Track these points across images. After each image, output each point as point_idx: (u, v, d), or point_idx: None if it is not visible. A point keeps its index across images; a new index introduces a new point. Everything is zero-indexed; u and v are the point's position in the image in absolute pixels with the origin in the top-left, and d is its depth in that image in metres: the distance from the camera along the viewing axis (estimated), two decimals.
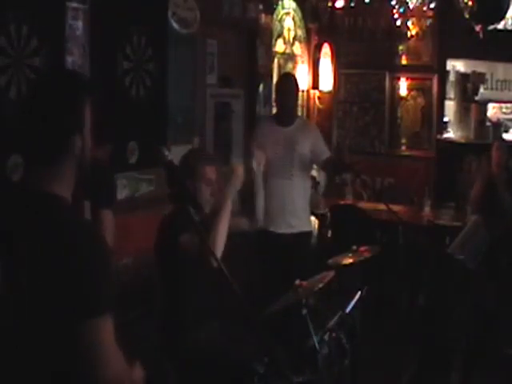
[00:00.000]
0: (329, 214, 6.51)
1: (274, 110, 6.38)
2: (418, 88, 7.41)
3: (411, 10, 6.93)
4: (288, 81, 4.93)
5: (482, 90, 7.29)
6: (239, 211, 4.04)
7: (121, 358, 1.80)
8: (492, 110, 7.37)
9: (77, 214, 1.88)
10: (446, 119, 7.34)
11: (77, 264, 1.74)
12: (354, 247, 4.09)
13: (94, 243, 1.80)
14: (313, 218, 5.99)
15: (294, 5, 6.67)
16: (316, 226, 6.50)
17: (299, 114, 6.89)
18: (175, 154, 3.60)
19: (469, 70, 7.30)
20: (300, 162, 4.74)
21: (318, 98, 7.30)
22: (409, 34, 7.28)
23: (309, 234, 4.97)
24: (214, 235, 3.13)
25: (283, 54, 6.60)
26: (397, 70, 7.47)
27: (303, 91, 6.94)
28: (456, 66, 7.34)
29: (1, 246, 1.82)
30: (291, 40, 6.72)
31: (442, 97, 7.30)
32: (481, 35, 6.13)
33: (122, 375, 1.80)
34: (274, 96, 5.38)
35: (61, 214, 1.82)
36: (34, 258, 1.76)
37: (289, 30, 6.65)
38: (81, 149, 1.86)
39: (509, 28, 6.85)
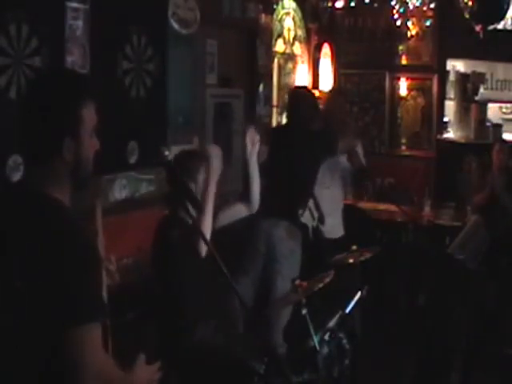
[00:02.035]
0: None
1: (274, 110, 6.42)
2: (418, 88, 7.41)
3: (411, 10, 6.93)
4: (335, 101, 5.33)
5: (482, 89, 7.29)
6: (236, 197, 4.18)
7: (107, 367, 1.77)
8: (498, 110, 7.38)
9: (69, 214, 1.85)
10: (446, 119, 7.34)
11: (60, 268, 1.71)
12: (354, 247, 4.10)
13: (80, 247, 1.77)
14: None
15: (293, 5, 6.67)
16: None
17: None
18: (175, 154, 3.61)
19: (469, 70, 7.30)
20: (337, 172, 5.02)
21: (318, 98, 7.29)
22: (409, 33, 7.27)
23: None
24: (202, 217, 3.16)
25: (283, 53, 6.60)
26: (397, 70, 7.46)
27: None
28: (456, 65, 7.34)
29: None
30: (291, 40, 6.72)
31: (442, 97, 7.29)
32: (481, 35, 6.13)
33: (111, 382, 1.79)
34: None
35: (48, 214, 1.80)
36: (23, 260, 1.75)
37: (289, 29, 6.65)
38: (75, 151, 1.84)
39: (509, 28, 6.85)
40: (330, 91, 5.71)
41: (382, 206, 6.56)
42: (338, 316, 3.65)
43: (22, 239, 1.77)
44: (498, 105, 7.40)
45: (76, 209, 1.91)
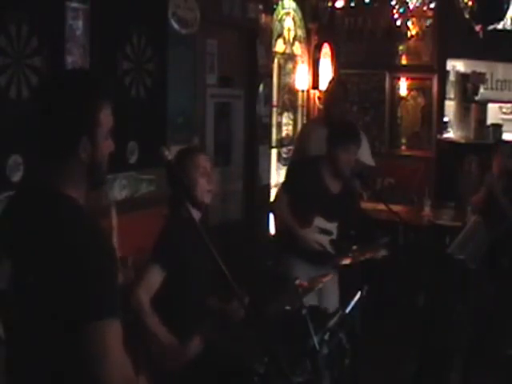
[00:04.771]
0: None
1: (274, 110, 6.42)
2: (418, 88, 7.41)
3: (411, 10, 6.94)
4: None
5: (482, 89, 7.30)
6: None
7: (126, 364, 1.78)
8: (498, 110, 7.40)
9: (86, 213, 1.86)
10: (446, 119, 7.34)
11: (78, 265, 1.73)
12: (354, 247, 4.10)
13: (97, 244, 1.78)
14: None
15: (293, 5, 6.67)
16: None
17: (299, 113, 6.92)
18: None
19: (469, 70, 7.31)
20: None
21: (318, 98, 7.28)
22: (409, 33, 7.29)
23: None
24: None
25: (283, 54, 6.60)
26: (397, 70, 7.47)
27: (303, 91, 6.95)
28: (456, 65, 7.35)
29: (9, 246, 1.82)
30: (291, 40, 6.72)
31: (442, 97, 7.30)
32: (481, 35, 6.14)
33: (127, 381, 1.79)
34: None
35: (64, 213, 1.81)
36: (39, 257, 1.76)
37: (289, 30, 6.65)
38: (91, 151, 1.85)
39: (509, 28, 6.87)
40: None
41: (382, 206, 6.56)
42: (337, 316, 3.65)
43: (38, 237, 1.78)
44: (498, 105, 7.41)
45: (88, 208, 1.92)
